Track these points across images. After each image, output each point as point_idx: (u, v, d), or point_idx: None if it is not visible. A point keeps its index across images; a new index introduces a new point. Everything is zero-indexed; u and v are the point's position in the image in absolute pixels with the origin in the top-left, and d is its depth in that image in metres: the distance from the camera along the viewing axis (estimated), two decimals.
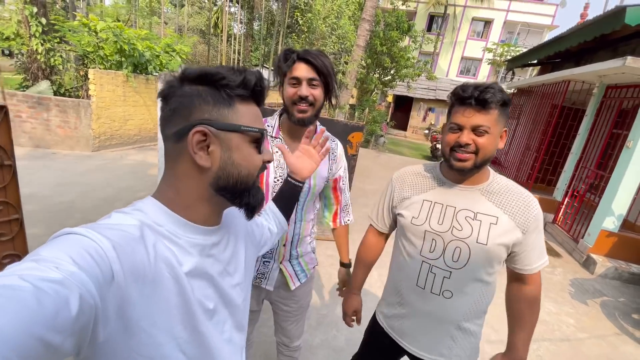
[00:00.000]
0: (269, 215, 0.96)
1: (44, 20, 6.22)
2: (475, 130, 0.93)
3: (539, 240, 1.01)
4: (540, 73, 8.07)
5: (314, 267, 1.45)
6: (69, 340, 0.38)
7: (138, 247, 0.50)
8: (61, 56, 6.66)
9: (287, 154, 0.99)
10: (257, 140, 0.60)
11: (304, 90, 1.11)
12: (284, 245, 1.30)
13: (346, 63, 8.08)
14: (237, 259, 0.70)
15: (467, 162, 0.95)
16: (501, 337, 2.64)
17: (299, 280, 1.37)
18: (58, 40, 6.66)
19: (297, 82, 1.12)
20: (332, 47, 8.38)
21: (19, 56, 6.73)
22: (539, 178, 6.53)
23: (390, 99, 20.19)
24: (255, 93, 0.60)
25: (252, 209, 0.62)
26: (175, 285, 0.53)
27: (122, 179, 5.05)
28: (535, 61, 7.79)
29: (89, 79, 5.99)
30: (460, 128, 0.95)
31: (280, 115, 1.27)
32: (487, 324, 2.76)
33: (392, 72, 11.89)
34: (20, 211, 1.46)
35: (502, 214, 0.98)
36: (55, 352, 0.36)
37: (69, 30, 6.33)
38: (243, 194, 0.60)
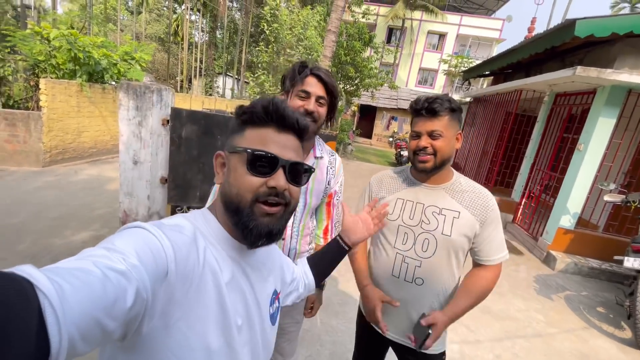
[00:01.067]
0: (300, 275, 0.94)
1: None
2: (431, 135, 1.09)
3: (496, 234, 1.14)
4: (494, 83, 8.69)
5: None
6: (120, 328, 0.42)
7: (192, 250, 0.53)
8: (10, 66, 6.08)
9: (346, 213, 0.98)
10: (253, 161, 0.59)
11: (312, 105, 1.12)
12: None
13: None
14: (264, 291, 0.71)
15: (428, 163, 1.11)
16: (477, 337, 2.74)
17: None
18: (8, 50, 6.08)
19: (306, 95, 1.13)
20: (299, 57, 8.43)
21: None
22: (498, 181, 6.97)
23: (355, 108, 20.69)
24: (270, 118, 0.61)
25: (246, 233, 0.60)
26: (216, 293, 0.56)
27: (76, 195, 4.66)
28: (488, 72, 8.37)
29: (39, 89, 5.51)
30: (419, 135, 1.12)
31: None
32: (463, 325, 2.87)
33: (356, 81, 12.22)
34: None
35: (463, 209, 1.13)
36: (107, 336, 0.40)
37: (20, 40, 5.81)
38: (235, 214, 0.60)
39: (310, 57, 8.66)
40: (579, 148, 4.45)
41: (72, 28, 7.39)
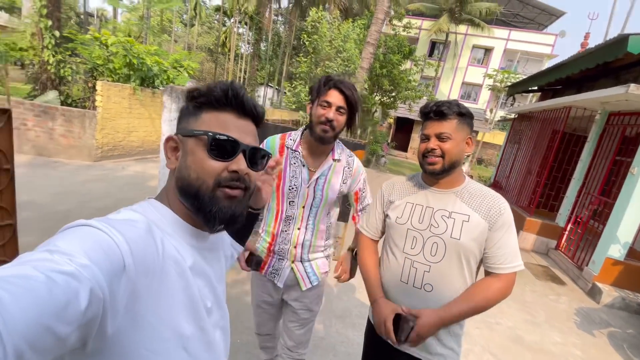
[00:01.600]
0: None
1: (57, 33, 6.39)
2: (439, 137, 1.11)
3: (508, 240, 1.10)
4: (541, 99, 8.19)
5: (325, 272, 1.53)
6: (76, 332, 0.39)
7: (148, 242, 0.51)
8: (71, 68, 6.79)
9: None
10: (214, 145, 0.58)
11: (332, 114, 1.27)
12: (295, 247, 1.42)
13: None
14: (220, 272, 0.73)
15: (436, 165, 1.11)
16: None
17: (310, 282, 1.47)
18: (69, 52, 6.81)
19: (328, 105, 1.28)
20: (336, 68, 8.54)
21: (30, 67, 6.85)
22: (541, 203, 6.48)
23: (391, 120, 20.44)
24: (229, 102, 0.61)
25: (209, 218, 0.59)
26: (180, 281, 0.55)
27: (121, 189, 5.02)
28: (535, 87, 7.91)
29: (96, 90, 6.08)
30: (427, 137, 1.14)
31: (304, 131, 1.41)
32: (491, 354, 2.66)
33: (392, 94, 12.10)
34: (14, 217, 1.41)
35: (473, 212, 1.11)
36: (62, 343, 0.37)
37: (81, 44, 6.48)
38: (195, 199, 0.58)
39: (348, 68, 8.74)
40: (633, 172, 4.03)
41: (130, 36, 8.09)
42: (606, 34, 10.68)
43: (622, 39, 3.76)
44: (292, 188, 1.38)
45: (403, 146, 20.46)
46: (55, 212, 3.82)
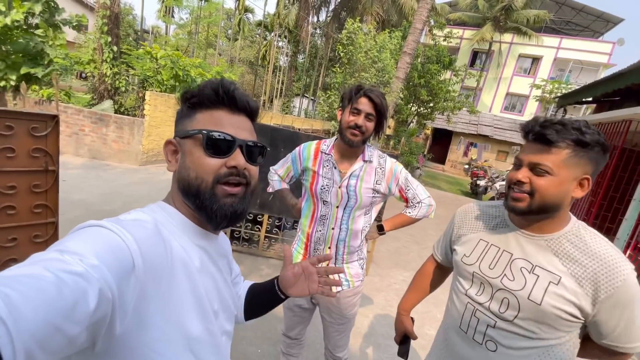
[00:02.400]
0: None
1: (115, 48, 7.02)
2: (534, 169, 0.84)
3: (624, 318, 0.81)
4: (596, 111, 7.53)
5: (360, 282, 1.56)
6: (85, 332, 0.39)
7: (157, 242, 0.52)
8: (125, 79, 7.40)
9: (287, 261, 0.86)
10: (209, 142, 0.58)
11: (361, 120, 1.35)
12: (329, 247, 1.48)
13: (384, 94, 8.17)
14: (229, 277, 0.74)
15: (521, 203, 0.86)
16: None
17: (341, 285, 1.50)
18: (125, 65, 7.45)
19: (358, 112, 1.36)
20: (370, 79, 8.50)
21: (91, 78, 7.57)
22: (596, 225, 5.88)
23: (428, 131, 19.89)
24: (221, 100, 0.61)
25: (210, 215, 0.59)
26: (188, 282, 0.55)
27: (161, 192, 5.31)
28: (590, 99, 7.30)
29: (145, 100, 6.56)
30: (520, 164, 0.88)
31: (337, 137, 1.50)
32: None
33: (430, 105, 11.77)
34: (57, 215, 1.52)
35: (567, 274, 0.84)
36: (71, 343, 0.37)
37: (136, 58, 7.07)
38: (197, 197, 0.59)
39: (382, 78, 8.66)
40: None
41: (178, 50, 8.67)
42: None
43: None
44: (324, 188, 1.45)
45: (440, 158, 19.77)
46: (102, 211, 4.11)
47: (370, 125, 1.38)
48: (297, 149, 1.58)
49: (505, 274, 0.91)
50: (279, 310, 2.58)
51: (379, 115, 1.39)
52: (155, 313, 0.49)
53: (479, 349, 0.94)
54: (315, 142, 1.56)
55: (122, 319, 0.45)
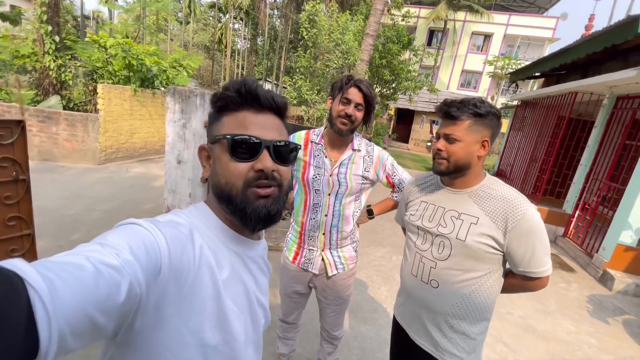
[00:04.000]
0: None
1: (57, 38, 6.34)
2: (447, 138, 1.09)
3: (530, 246, 1.04)
4: (545, 85, 8.10)
5: (354, 264, 1.66)
6: (112, 323, 0.41)
7: (187, 246, 0.53)
8: (71, 72, 6.76)
9: None
10: (234, 146, 0.58)
11: (351, 110, 1.40)
12: (323, 234, 1.54)
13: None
14: (266, 286, 0.72)
15: (442, 166, 1.11)
16: (518, 357, 2.54)
17: (336, 268, 1.59)
18: (69, 56, 6.78)
19: (347, 102, 1.40)
20: (335, 61, 8.46)
21: (32, 73, 6.83)
22: (548, 190, 6.45)
23: (392, 112, 20.31)
24: (245, 100, 0.60)
25: (245, 219, 0.59)
26: (213, 289, 0.55)
27: (126, 191, 5.03)
28: (539, 73, 7.82)
29: (97, 93, 6.05)
30: (438, 137, 1.13)
31: (326, 127, 1.55)
32: (502, 343, 2.67)
33: (393, 85, 11.98)
34: (32, 226, 1.41)
35: (483, 215, 1.08)
36: (98, 332, 0.40)
37: (80, 48, 6.45)
38: (229, 202, 0.59)
39: (347, 61, 8.65)
40: None
41: (127, 37, 8.03)
42: (611, 15, 10.48)
43: (632, 21, 3.70)
44: (316, 177, 1.50)
45: (404, 137, 20.34)
46: (65, 216, 3.84)
47: (360, 114, 1.43)
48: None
49: (440, 224, 1.15)
50: (274, 298, 2.62)
51: (368, 105, 1.44)
52: (174, 314, 0.50)
53: (426, 287, 1.18)
54: (304, 132, 1.59)
55: (143, 315, 0.46)
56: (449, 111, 1.07)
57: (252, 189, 0.58)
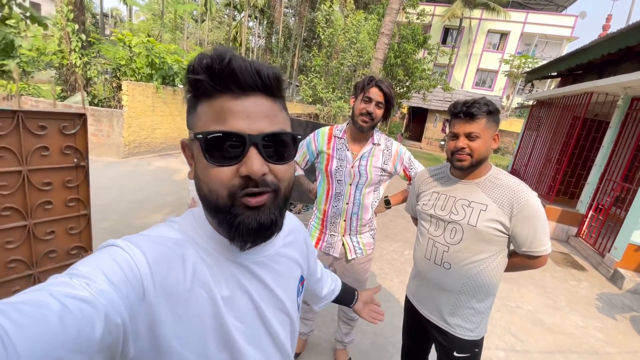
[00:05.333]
0: (329, 281, 0.97)
1: (83, 37, 6.66)
2: (468, 136, 1.18)
3: (532, 228, 1.17)
4: (561, 85, 8.03)
5: (371, 250, 1.81)
6: (95, 358, 0.37)
7: (175, 264, 0.47)
8: (96, 69, 7.07)
9: (374, 290, 1.14)
10: (209, 148, 0.45)
11: (372, 108, 1.52)
12: (344, 220, 1.68)
13: (364, 75, 8.27)
14: (289, 282, 0.64)
15: (465, 162, 1.21)
16: (526, 347, 2.64)
17: (355, 253, 1.74)
18: (94, 54, 7.09)
19: (369, 100, 1.52)
20: (350, 60, 8.57)
21: (59, 69, 7.17)
22: (561, 190, 6.43)
23: (405, 110, 20.25)
24: (219, 82, 0.45)
25: (233, 233, 0.48)
26: (211, 306, 0.50)
27: (149, 184, 5.29)
28: (555, 73, 7.76)
29: (121, 90, 6.34)
30: (456, 136, 1.21)
31: (348, 123, 1.68)
32: (511, 334, 2.77)
33: (407, 84, 11.99)
34: (88, 207, 1.61)
35: (491, 202, 1.20)
36: None
37: (106, 46, 6.76)
38: (216, 213, 0.49)
39: (361, 59, 8.75)
40: None
41: (149, 36, 8.32)
42: (629, 14, 10.27)
43: None
44: (339, 168, 1.63)
45: (417, 136, 20.26)
46: (95, 206, 4.06)
47: (380, 112, 1.55)
48: (311, 135, 1.75)
49: (452, 211, 1.27)
50: None
51: (387, 103, 1.55)
52: (171, 337, 0.45)
53: (439, 269, 1.30)
54: (327, 127, 1.74)
55: (135, 342, 0.43)
56: (471, 111, 1.17)
57: (240, 198, 0.47)
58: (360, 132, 1.59)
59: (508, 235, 1.21)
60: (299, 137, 0.53)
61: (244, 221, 0.47)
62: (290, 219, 0.69)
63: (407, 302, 1.52)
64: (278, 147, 0.48)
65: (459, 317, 1.29)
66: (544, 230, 1.18)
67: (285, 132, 0.49)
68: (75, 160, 1.51)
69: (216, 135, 0.44)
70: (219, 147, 0.45)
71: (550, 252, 1.21)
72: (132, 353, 0.43)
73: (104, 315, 0.37)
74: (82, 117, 1.47)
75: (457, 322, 1.29)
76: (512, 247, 1.29)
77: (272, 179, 0.48)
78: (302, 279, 0.70)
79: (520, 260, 1.28)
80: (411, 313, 1.49)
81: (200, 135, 0.45)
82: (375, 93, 1.52)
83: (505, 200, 1.18)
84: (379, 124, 1.67)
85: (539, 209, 1.17)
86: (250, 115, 0.46)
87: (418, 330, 1.49)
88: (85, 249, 1.66)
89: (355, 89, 1.60)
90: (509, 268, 1.31)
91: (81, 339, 0.35)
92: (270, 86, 0.47)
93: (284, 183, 0.49)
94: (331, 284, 0.97)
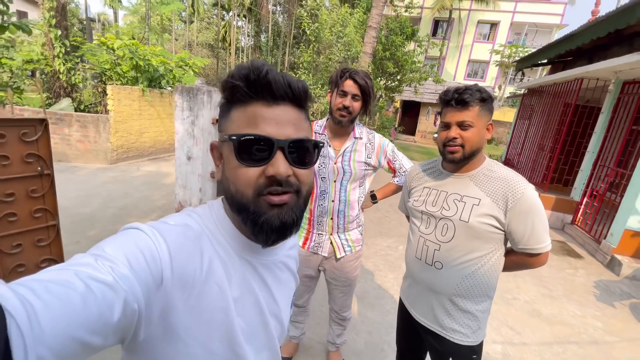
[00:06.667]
0: None
1: (67, 42, 6.51)
2: (461, 125, 1.10)
3: (529, 223, 1.08)
4: (551, 72, 7.99)
5: (360, 246, 1.75)
6: (109, 339, 0.40)
7: (194, 255, 0.50)
8: (81, 74, 6.93)
9: None
10: (241, 148, 0.49)
11: (348, 101, 1.46)
12: (332, 218, 1.63)
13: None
14: (286, 291, 0.67)
15: (457, 154, 1.12)
16: (524, 340, 2.60)
17: (344, 251, 1.69)
18: (78, 60, 6.95)
19: (344, 94, 1.46)
20: (338, 54, 8.48)
21: (42, 76, 7.03)
22: (555, 178, 6.41)
23: (397, 104, 20.19)
24: (254, 90, 0.50)
25: (256, 230, 0.52)
26: (221, 300, 0.52)
27: (138, 189, 5.18)
28: (545, 61, 7.72)
29: (107, 94, 6.21)
30: (448, 126, 1.13)
31: (327, 118, 1.63)
32: (507, 326, 2.73)
33: (398, 77, 11.91)
34: (57, 218, 1.53)
35: (484, 196, 1.12)
36: (92, 349, 0.38)
37: (89, 51, 6.62)
38: (240, 211, 0.52)
39: (349, 53, 8.66)
40: None
41: (133, 39, 8.17)
42: (618, 0, 10.24)
43: (635, 5, 3.65)
44: (322, 166, 1.58)
45: (410, 130, 20.24)
46: (81, 214, 4.00)
47: (357, 105, 1.49)
48: None
49: (443, 207, 1.19)
50: None
51: (365, 95, 1.49)
52: (180, 326, 0.47)
53: (431, 269, 1.22)
54: None
55: (147, 327, 0.45)
56: (463, 98, 1.08)
57: (264, 197, 0.51)
58: (340, 127, 1.54)
59: (504, 231, 1.12)
60: (321, 145, 0.57)
61: (267, 220, 0.50)
62: (294, 236, 0.74)
63: (401, 304, 1.45)
64: (301, 152, 0.53)
65: (454, 321, 1.21)
66: (542, 226, 1.10)
67: (309, 139, 0.54)
68: (39, 168, 1.42)
69: (248, 137, 0.49)
70: (249, 149, 0.49)
71: (550, 249, 1.12)
72: (142, 336, 0.45)
73: (123, 300, 0.39)
74: (43, 123, 1.39)
75: (453, 327, 1.21)
76: (509, 245, 1.21)
77: (295, 181, 0.52)
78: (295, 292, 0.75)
79: (518, 258, 1.19)
80: (404, 315, 1.40)
81: (235, 137, 0.49)
82: (350, 85, 1.46)
83: (499, 194, 1.10)
84: (366, 119, 1.61)
85: (536, 202, 1.09)
86: (280, 122, 0.51)
87: (412, 334, 1.41)
88: (56, 261, 1.58)
89: (330, 83, 1.55)
90: (507, 267, 1.22)
91: (100, 321, 0.37)
92: (298, 97, 0.53)
93: (305, 186, 0.54)
94: None
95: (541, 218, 1.09)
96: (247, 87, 0.50)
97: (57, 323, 0.33)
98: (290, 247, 0.70)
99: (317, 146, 0.56)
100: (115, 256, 0.42)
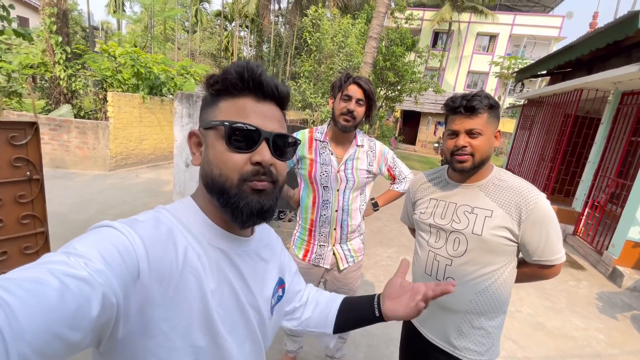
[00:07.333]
0: (308, 300, 0.85)
1: (68, 49, 6.55)
2: (470, 133, 1.05)
3: (543, 234, 1.03)
4: (551, 83, 8.03)
5: (362, 255, 1.72)
6: (88, 337, 0.39)
7: (168, 248, 0.50)
8: (81, 81, 6.97)
9: (401, 271, 0.74)
10: (232, 134, 0.53)
11: (352, 105, 1.44)
12: (335, 229, 1.58)
13: None
14: (264, 282, 0.67)
15: (466, 163, 1.07)
16: (527, 354, 2.52)
17: (347, 262, 1.65)
18: (79, 66, 6.99)
19: (348, 98, 1.45)
20: (339, 64, 8.54)
21: (42, 82, 7.06)
22: (556, 189, 6.37)
23: (398, 113, 20.29)
24: (247, 85, 0.55)
25: (236, 213, 0.54)
26: (199, 290, 0.52)
27: (136, 196, 5.14)
28: (544, 72, 7.77)
29: (107, 101, 6.22)
30: (456, 134, 1.07)
31: (329, 125, 1.59)
32: (511, 340, 2.65)
33: (398, 87, 11.99)
34: (46, 224, 1.49)
35: (497, 207, 1.07)
36: (72, 347, 0.37)
37: (90, 58, 6.67)
38: (221, 195, 0.54)
39: (350, 63, 8.72)
40: None
41: (135, 46, 8.25)
42: (616, 11, 10.39)
43: (632, 16, 3.67)
44: (324, 174, 1.54)
45: (411, 139, 20.28)
46: (77, 221, 3.95)
47: (361, 110, 1.47)
48: None
49: (453, 220, 1.13)
50: None
51: (368, 99, 1.47)
52: (160, 319, 0.48)
53: None
54: (307, 130, 1.63)
55: (125, 323, 0.44)
56: (472, 104, 1.03)
57: (248, 182, 0.54)
58: (343, 133, 1.51)
59: (517, 243, 1.07)
60: (299, 142, 0.63)
61: (248, 203, 0.54)
62: (265, 228, 0.75)
63: (406, 323, 1.36)
64: (282, 146, 0.58)
65: (468, 340, 1.13)
66: (556, 236, 1.04)
67: (290, 135, 0.60)
68: (28, 173, 1.39)
69: (240, 125, 0.53)
70: (238, 136, 0.53)
71: (564, 260, 1.06)
72: (120, 334, 0.44)
73: (101, 294, 0.39)
74: (33, 126, 1.36)
75: (466, 345, 1.13)
76: (520, 256, 1.15)
77: (274, 170, 0.56)
78: (281, 282, 0.73)
79: (531, 270, 1.13)
80: (410, 333, 1.31)
81: (227, 123, 0.53)
82: (354, 90, 1.44)
83: (512, 204, 1.04)
84: (366, 127, 1.58)
85: (549, 212, 1.03)
86: (267, 116, 0.56)
87: (418, 351, 1.31)
88: None
89: (333, 89, 1.52)
90: (519, 279, 1.16)
91: (79, 316, 0.37)
92: (282, 99, 0.59)
93: (281, 177, 0.59)
94: (321, 306, 0.82)
95: (555, 228, 1.04)
96: (241, 82, 0.54)
97: (35, 319, 0.33)
98: (262, 238, 0.71)
99: (295, 143, 0.61)
100: (87, 252, 0.41)
